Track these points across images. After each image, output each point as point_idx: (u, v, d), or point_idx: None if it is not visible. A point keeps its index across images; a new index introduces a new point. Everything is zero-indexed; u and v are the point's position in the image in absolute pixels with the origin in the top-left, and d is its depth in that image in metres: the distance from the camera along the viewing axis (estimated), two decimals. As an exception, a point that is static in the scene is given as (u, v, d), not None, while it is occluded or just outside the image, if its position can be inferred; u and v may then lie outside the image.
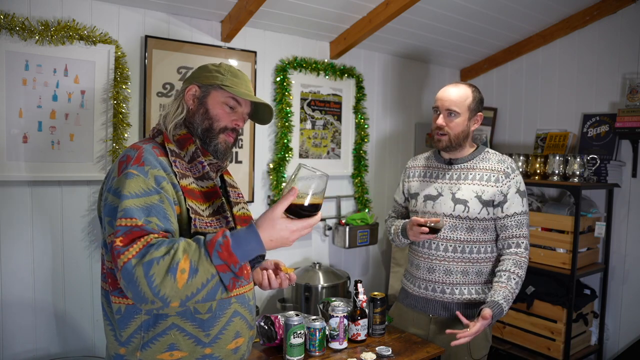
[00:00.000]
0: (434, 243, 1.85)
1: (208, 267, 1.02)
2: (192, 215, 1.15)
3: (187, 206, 1.15)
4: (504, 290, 1.71)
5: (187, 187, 1.18)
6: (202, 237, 1.07)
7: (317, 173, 1.11)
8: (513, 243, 1.80)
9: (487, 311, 1.64)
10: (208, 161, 1.28)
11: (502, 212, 1.80)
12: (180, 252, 1.01)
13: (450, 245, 1.82)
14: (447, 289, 1.83)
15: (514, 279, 1.74)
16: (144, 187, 1.09)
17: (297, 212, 1.10)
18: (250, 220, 1.36)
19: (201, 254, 1.03)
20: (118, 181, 1.12)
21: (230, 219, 1.25)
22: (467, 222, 1.81)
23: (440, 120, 1.83)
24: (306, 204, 1.10)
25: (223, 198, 1.29)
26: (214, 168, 1.30)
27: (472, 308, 1.82)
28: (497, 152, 1.89)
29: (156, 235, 1.05)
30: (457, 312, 1.72)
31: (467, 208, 1.80)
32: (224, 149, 1.30)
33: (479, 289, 1.84)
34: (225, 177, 1.41)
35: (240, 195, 1.42)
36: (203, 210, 1.20)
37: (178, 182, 1.17)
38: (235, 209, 1.35)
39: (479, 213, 1.79)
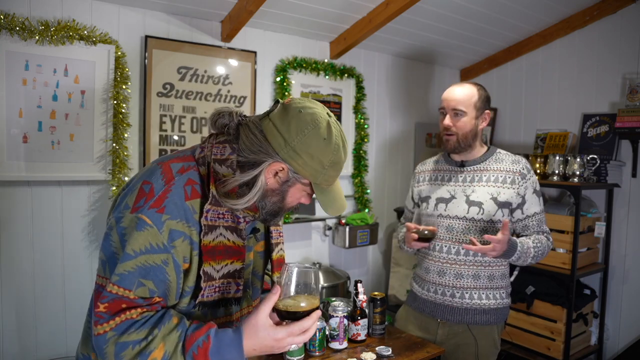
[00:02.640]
0: (445, 246, 1.81)
1: None
2: (204, 285, 1.02)
3: (202, 273, 1.02)
4: (526, 240, 1.74)
5: (209, 246, 1.02)
6: (187, 326, 0.97)
7: (302, 268, 1.01)
8: None
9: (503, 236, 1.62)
10: (247, 215, 1.10)
11: (522, 213, 1.79)
12: (158, 339, 0.93)
13: (462, 248, 1.79)
14: (457, 292, 1.80)
15: (536, 245, 1.75)
16: (152, 243, 0.95)
17: (288, 318, 1.00)
18: (282, 263, 1.24)
19: (177, 348, 0.94)
20: (129, 222, 0.97)
21: (241, 287, 1.12)
22: (480, 224, 1.77)
23: (447, 121, 1.79)
24: (298, 307, 0.99)
25: (248, 255, 1.15)
26: (250, 219, 1.13)
27: (482, 314, 1.79)
28: (509, 153, 1.86)
29: (142, 310, 0.95)
30: (471, 239, 1.70)
31: (482, 210, 1.76)
32: (280, 221, 1.18)
33: (489, 294, 1.80)
34: None
35: (281, 234, 1.27)
36: (217, 271, 1.05)
37: (201, 239, 1.01)
38: (274, 253, 1.23)
39: (493, 215, 1.76)
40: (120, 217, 0.98)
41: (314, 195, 1.11)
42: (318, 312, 1.01)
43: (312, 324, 0.99)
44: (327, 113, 1.06)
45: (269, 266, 1.28)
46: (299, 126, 1.00)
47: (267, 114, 1.06)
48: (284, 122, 1.01)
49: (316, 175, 1.04)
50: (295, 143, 1.00)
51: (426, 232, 1.72)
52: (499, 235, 1.61)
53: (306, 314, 0.99)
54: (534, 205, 1.79)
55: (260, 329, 0.96)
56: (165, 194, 0.98)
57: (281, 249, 1.25)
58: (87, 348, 1.09)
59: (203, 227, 1.01)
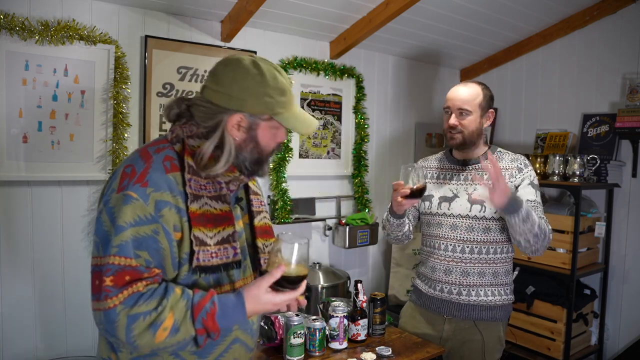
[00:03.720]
0: (451, 244, 1.83)
1: (189, 328, 1.02)
2: (196, 248, 1.07)
3: (192, 237, 1.07)
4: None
5: (197, 213, 1.08)
6: (191, 294, 1.05)
7: (299, 242, 1.13)
8: None
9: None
10: (229, 178, 1.15)
11: None
12: (168, 309, 1.00)
13: (467, 247, 1.81)
14: (464, 290, 1.81)
15: (538, 216, 1.64)
16: (141, 215, 1.01)
17: (281, 283, 1.11)
18: (270, 231, 1.32)
19: (186, 315, 1.02)
20: (116, 200, 1.03)
21: (238, 250, 1.17)
22: (483, 222, 1.79)
23: (453, 120, 1.81)
24: (291, 274, 1.12)
25: (237, 223, 1.20)
26: (235, 184, 1.19)
27: (488, 310, 1.81)
28: (509, 152, 1.88)
29: (147, 283, 1.01)
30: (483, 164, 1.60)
31: (483, 208, 1.78)
32: (268, 169, 1.22)
33: (495, 290, 1.82)
34: (249, 183, 1.32)
35: (263, 203, 1.34)
36: (211, 238, 1.11)
37: (187, 206, 1.07)
38: (256, 220, 1.28)
39: (495, 212, 1.77)
40: (108, 200, 1.05)
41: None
42: (305, 281, 1.14)
43: (302, 290, 1.13)
44: (251, 55, 1.15)
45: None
46: (230, 76, 1.09)
47: (203, 86, 1.15)
48: (218, 81, 1.10)
49: (269, 106, 1.10)
50: (235, 91, 1.08)
51: (415, 187, 1.67)
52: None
53: (298, 279, 1.12)
54: (527, 194, 1.76)
55: (262, 297, 1.08)
56: (146, 170, 1.05)
57: (264, 217, 1.31)
58: (107, 350, 1.13)
59: (189, 195, 1.07)
